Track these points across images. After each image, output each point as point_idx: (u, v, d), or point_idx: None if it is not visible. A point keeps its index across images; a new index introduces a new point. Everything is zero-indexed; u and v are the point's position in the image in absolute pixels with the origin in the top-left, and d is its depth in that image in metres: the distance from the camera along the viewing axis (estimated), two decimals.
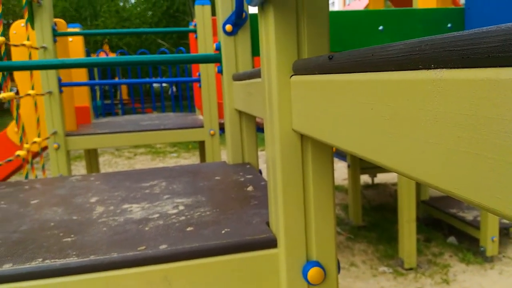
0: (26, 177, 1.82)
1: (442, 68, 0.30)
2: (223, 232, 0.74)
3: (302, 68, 0.62)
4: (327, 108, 0.52)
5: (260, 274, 0.71)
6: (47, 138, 2.17)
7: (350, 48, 0.46)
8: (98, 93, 6.03)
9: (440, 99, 0.30)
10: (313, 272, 0.68)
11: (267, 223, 0.77)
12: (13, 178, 3.59)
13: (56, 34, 2.25)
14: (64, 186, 1.17)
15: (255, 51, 1.28)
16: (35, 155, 2.59)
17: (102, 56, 6.07)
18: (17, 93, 2.36)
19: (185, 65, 5.68)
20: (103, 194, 1.06)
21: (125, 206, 0.94)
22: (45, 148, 2.34)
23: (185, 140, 2.61)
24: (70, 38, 3.02)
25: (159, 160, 6.69)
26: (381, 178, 4.43)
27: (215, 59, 1.36)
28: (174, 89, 7.66)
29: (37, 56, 2.22)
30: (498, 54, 0.24)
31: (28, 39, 2.03)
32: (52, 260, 0.66)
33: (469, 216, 2.75)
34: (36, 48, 2.16)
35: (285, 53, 0.65)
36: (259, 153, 1.38)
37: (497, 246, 2.50)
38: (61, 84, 2.27)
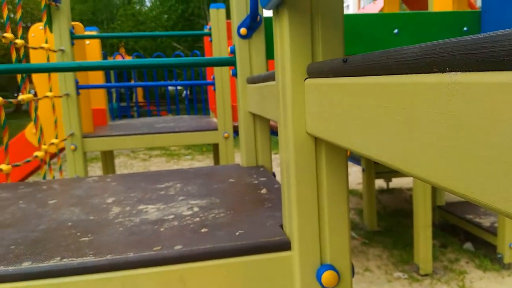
0: (44, 177, 1.85)
1: (457, 71, 0.30)
2: (237, 234, 0.75)
3: (316, 71, 0.62)
4: (341, 111, 0.52)
5: (274, 276, 0.71)
6: (65, 139, 2.21)
7: (365, 51, 0.46)
8: (114, 96, 6.11)
9: (454, 103, 0.30)
10: (327, 275, 0.68)
11: (281, 226, 0.78)
12: (31, 179, 3.67)
13: (73, 37, 2.30)
14: (81, 187, 1.19)
15: (270, 54, 1.28)
16: (53, 156, 2.64)
17: (119, 59, 6.16)
18: (35, 95, 2.41)
19: (199, 68, 5.73)
20: (119, 195, 1.08)
21: (141, 207, 0.95)
22: (62, 150, 2.39)
23: (199, 142, 2.63)
24: (87, 41, 3.07)
25: (173, 162, 6.75)
26: (396, 182, 4.39)
27: (230, 62, 1.37)
28: (187, 92, 7.72)
29: (55, 59, 2.26)
30: None
31: (46, 42, 2.08)
32: (70, 259, 0.67)
33: (486, 222, 2.70)
34: (54, 51, 2.21)
35: (300, 56, 0.65)
36: (273, 156, 1.38)
37: None
38: (78, 87, 2.31)
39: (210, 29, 2.65)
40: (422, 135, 0.35)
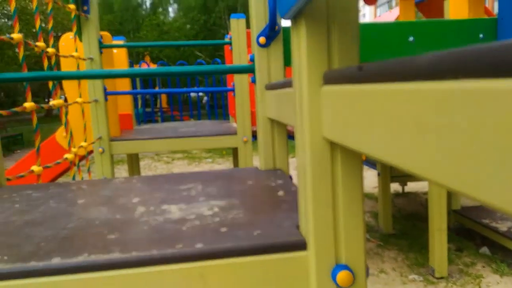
0: (73, 178, 1.92)
1: (470, 78, 0.30)
2: (255, 233, 0.77)
3: (332, 78, 0.64)
4: (356, 117, 0.53)
5: (290, 275, 0.73)
6: (93, 142, 2.28)
7: (380, 59, 0.47)
8: (140, 102, 6.24)
9: (468, 110, 0.30)
10: (342, 275, 0.69)
11: (297, 227, 0.79)
12: (61, 179, 3.78)
13: (102, 46, 2.38)
14: (108, 187, 1.24)
15: (287, 61, 1.31)
16: (82, 158, 2.73)
17: (144, 67, 6.28)
18: (65, 100, 2.50)
19: (220, 75, 5.79)
20: (144, 195, 1.12)
21: (164, 206, 0.99)
22: (90, 152, 2.46)
23: (219, 146, 2.67)
24: (114, 50, 3.15)
25: (195, 165, 6.83)
26: (411, 186, 4.33)
27: (249, 69, 1.40)
28: (207, 98, 7.82)
29: (84, 67, 2.34)
30: None
31: (76, 51, 2.15)
32: (97, 255, 0.70)
33: (503, 227, 2.64)
34: (84, 59, 2.29)
35: (316, 63, 0.67)
36: (290, 160, 1.40)
37: None
38: (106, 93, 2.38)
39: (230, 38, 2.70)
40: (435, 141, 0.35)
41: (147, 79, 6.44)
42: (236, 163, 3.35)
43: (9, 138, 10.48)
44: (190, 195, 1.09)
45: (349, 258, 0.71)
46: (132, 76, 1.47)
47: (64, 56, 2.13)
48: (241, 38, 2.53)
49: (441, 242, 2.34)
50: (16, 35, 1.49)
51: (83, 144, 2.09)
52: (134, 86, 5.36)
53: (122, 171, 6.20)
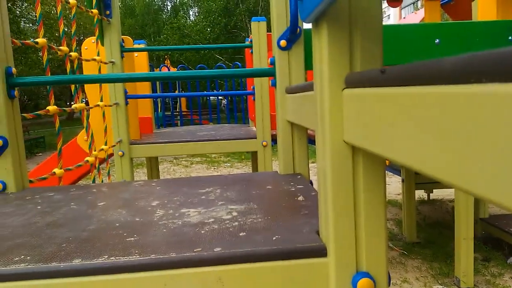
0: (93, 181, 1.95)
1: (494, 82, 0.29)
2: (274, 238, 0.76)
3: (354, 81, 0.63)
4: (379, 121, 0.52)
5: (309, 282, 0.72)
6: (113, 146, 2.32)
7: (405, 62, 0.46)
8: (159, 105, 6.32)
9: (492, 113, 0.30)
10: (363, 283, 0.68)
11: (317, 232, 0.78)
12: (81, 182, 3.86)
13: (123, 50, 2.41)
14: (128, 190, 1.25)
15: (308, 65, 1.30)
16: (102, 161, 2.77)
17: (164, 70, 6.36)
18: (87, 104, 2.54)
19: (240, 79, 5.82)
20: (163, 198, 1.12)
21: (183, 210, 0.99)
22: (111, 155, 2.50)
23: (238, 150, 2.67)
24: (135, 54, 3.21)
25: (213, 169, 6.86)
26: (437, 194, 4.24)
27: (270, 73, 1.40)
28: (225, 102, 7.88)
29: (106, 70, 2.38)
30: None
31: (98, 55, 2.19)
32: (117, 258, 0.70)
33: None
34: (105, 63, 2.33)
35: (338, 66, 0.66)
36: (310, 165, 1.39)
37: None
38: (127, 96, 2.42)
39: (251, 41, 2.71)
40: (459, 145, 0.35)
41: (167, 83, 6.52)
42: (255, 167, 3.35)
43: (31, 141, 10.74)
44: (208, 199, 1.09)
45: (370, 266, 0.69)
46: (153, 80, 1.49)
47: (87, 60, 2.18)
48: (261, 41, 2.54)
49: (467, 252, 2.28)
50: (41, 40, 1.52)
51: (104, 147, 2.12)
52: (154, 89, 5.43)
53: (141, 175, 6.28)
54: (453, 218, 2.38)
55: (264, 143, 2.52)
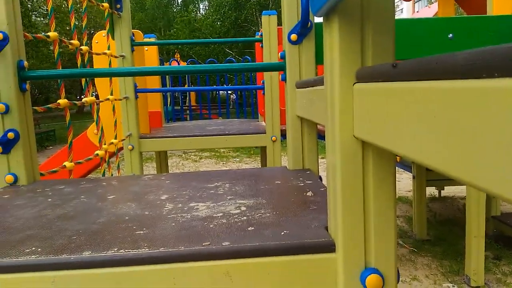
0: (103, 174, 1.97)
1: (505, 77, 0.29)
2: (282, 233, 0.76)
3: (365, 75, 0.63)
4: (390, 115, 0.52)
5: (317, 277, 0.72)
6: (123, 139, 2.33)
7: (417, 56, 0.46)
8: (169, 99, 6.35)
9: (503, 108, 0.30)
10: (371, 279, 0.67)
11: (326, 228, 0.78)
12: (91, 175, 3.89)
13: (133, 44, 2.42)
14: (137, 184, 1.26)
15: (319, 59, 1.29)
16: (112, 155, 2.79)
17: (174, 64, 6.38)
18: (97, 97, 2.56)
19: (250, 73, 5.81)
20: (173, 192, 1.13)
21: (192, 204, 0.99)
22: (120, 149, 2.51)
23: (247, 145, 2.67)
24: (146, 48, 3.21)
25: (222, 163, 6.88)
26: (448, 191, 4.20)
27: (280, 67, 1.39)
28: (233, 97, 7.88)
29: (116, 64, 2.39)
30: None
31: (108, 48, 2.20)
32: (126, 250, 0.71)
33: None
34: (116, 57, 2.33)
35: (349, 61, 0.65)
36: (320, 161, 1.38)
37: None
38: (137, 90, 2.43)
39: (261, 35, 2.69)
40: (470, 140, 0.35)
41: (177, 77, 6.54)
42: (264, 162, 3.34)
43: (42, 134, 10.86)
44: (217, 193, 1.10)
45: (379, 262, 0.69)
46: (163, 74, 1.49)
47: (97, 54, 2.19)
48: (272, 35, 2.52)
49: (478, 250, 2.26)
50: (52, 34, 1.53)
51: (114, 141, 2.14)
52: (164, 84, 5.45)
53: (150, 169, 6.32)
54: (464, 216, 2.36)
55: (273, 138, 2.51)
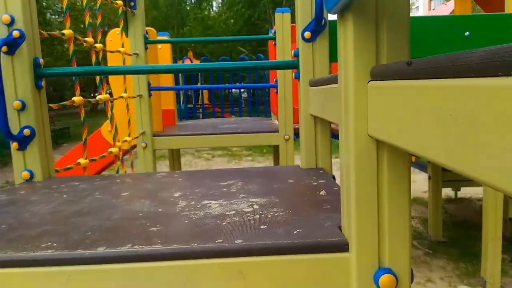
0: (117, 172, 1.99)
1: None
2: (295, 232, 0.76)
3: (380, 73, 0.62)
4: (405, 114, 0.52)
5: (330, 276, 0.71)
6: (136, 137, 2.35)
7: (433, 54, 0.45)
8: (182, 97, 6.38)
9: None
10: (384, 279, 0.67)
11: (339, 227, 0.78)
12: (105, 173, 3.94)
13: (147, 41, 2.44)
14: (151, 181, 1.27)
15: (333, 57, 1.28)
16: (125, 152, 2.81)
17: (187, 62, 6.40)
18: (111, 95, 2.58)
19: (263, 71, 5.80)
20: (186, 190, 1.14)
21: (205, 202, 1.00)
22: (134, 147, 2.54)
23: (260, 144, 2.67)
24: (159, 46, 3.23)
25: (234, 162, 6.89)
26: (465, 192, 4.14)
27: (293, 65, 1.39)
28: (245, 95, 7.88)
29: (130, 62, 2.41)
30: None
31: (122, 46, 2.22)
32: (140, 247, 0.72)
33: None
34: (129, 55, 2.35)
35: (363, 58, 0.65)
36: (333, 160, 1.37)
37: None
38: (150, 88, 2.44)
39: (274, 33, 2.68)
40: (486, 139, 0.34)
41: (190, 75, 6.57)
42: (276, 161, 3.34)
43: (56, 131, 11.01)
44: (230, 191, 1.10)
45: (393, 262, 0.68)
46: (176, 72, 1.50)
47: (111, 51, 2.20)
48: (285, 32, 2.51)
49: (495, 252, 2.22)
50: (67, 31, 1.55)
51: (127, 138, 2.16)
52: (177, 82, 5.47)
53: (163, 167, 6.36)
54: (480, 217, 2.32)
55: (286, 137, 2.51)
